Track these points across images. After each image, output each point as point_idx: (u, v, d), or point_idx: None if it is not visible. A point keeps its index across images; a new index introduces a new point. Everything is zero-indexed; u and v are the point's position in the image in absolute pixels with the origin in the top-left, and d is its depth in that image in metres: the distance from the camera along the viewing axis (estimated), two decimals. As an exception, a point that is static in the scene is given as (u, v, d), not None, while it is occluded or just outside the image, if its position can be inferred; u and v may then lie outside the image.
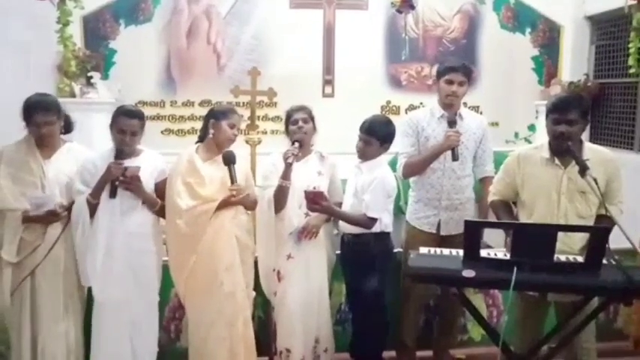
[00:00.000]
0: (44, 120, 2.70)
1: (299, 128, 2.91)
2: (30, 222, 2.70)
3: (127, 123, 2.73)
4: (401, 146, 3.13)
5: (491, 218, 2.94)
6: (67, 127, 2.87)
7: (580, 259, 2.21)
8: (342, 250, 3.01)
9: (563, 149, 2.45)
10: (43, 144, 2.77)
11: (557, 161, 2.52)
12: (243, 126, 3.23)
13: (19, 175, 2.72)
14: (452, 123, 2.96)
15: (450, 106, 3.06)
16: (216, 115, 2.83)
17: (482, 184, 3.13)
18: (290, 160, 2.79)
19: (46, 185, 2.73)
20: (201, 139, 2.91)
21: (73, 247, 2.81)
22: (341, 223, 2.96)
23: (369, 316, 2.91)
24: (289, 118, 2.98)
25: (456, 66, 3.05)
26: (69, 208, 2.77)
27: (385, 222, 2.87)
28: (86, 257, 2.73)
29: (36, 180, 2.72)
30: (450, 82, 3.02)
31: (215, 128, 2.80)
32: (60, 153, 2.82)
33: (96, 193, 2.71)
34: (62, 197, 2.77)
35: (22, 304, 2.72)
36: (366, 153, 2.90)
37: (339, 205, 2.97)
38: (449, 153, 2.95)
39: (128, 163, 2.73)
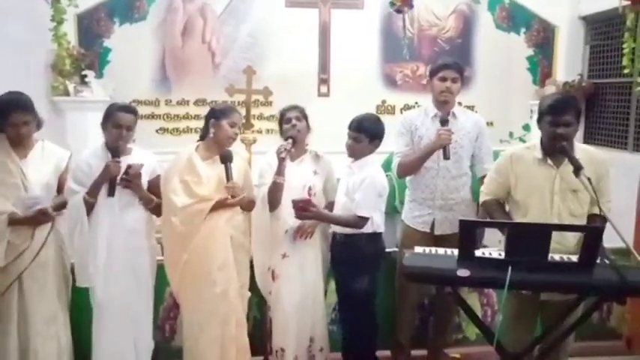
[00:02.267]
0: (23, 120, 2.64)
1: (292, 126, 2.92)
2: (17, 224, 2.65)
3: (123, 118, 2.73)
4: (396, 146, 3.14)
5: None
6: (38, 125, 2.80)
7: (574, 258, 2.22)
8: (333, 249, 3.00)
9: (557, 149, 2.47)
10: (19, 144, 2.71)
11: (549, 161, 2.54)
12: (238, 125, 3.22)
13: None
14: (444, 122, 2.97)
15: (445, 104, 3.06)
16: (216, 114, 2.82)
17: (482, 182, 3.12)
18: (283, 155, 2.79)
19: (28, 186, 2.69)
20: (202, 139, 2.91)
21: (58, 249, 2.81)
22: (334, 222, 2.96)
23: (359, 316, 2.91)
24: (282, 118, 2.99)
25: (449, 63, 3.08)
26: (55, 209, 2.75)
27: (377, 222, 2.86)
28: (87, 258, 2.71)
29: (17, 181, 2.67)
30: (444, 79, 3.03)
31: (215, 127, 2.80)
32: (34, 152, 2.77)
33: (93, 192, 2.70)
34: (43, 197, 2.73)
35: (9, 309, 2.68)
36: (355, 150, 2.89)
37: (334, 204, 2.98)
38: (442, 152, 2.95)
39: (123, 160, 2.72)
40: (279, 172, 2.81)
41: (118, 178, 2.71)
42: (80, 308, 2.89)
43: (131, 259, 2.77)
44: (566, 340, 2.55)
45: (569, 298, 2.38)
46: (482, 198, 2.79)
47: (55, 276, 2.78)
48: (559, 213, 2.51)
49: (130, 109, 2.80)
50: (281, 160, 2.80)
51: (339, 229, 2.92)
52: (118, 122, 2.73)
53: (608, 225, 2.24)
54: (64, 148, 2.96)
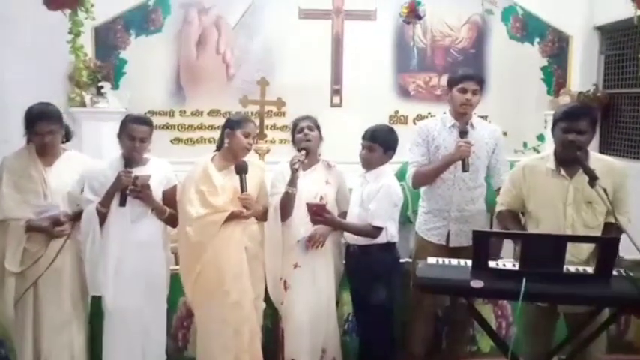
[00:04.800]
0: (48, 129, 2.71)
1: (305, 136, 2.93)
2: (33, 231, 2.70)
3: (136, 129, 2.76)
4: (411, 156, 3.12)
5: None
6: (67, 136, 2.89)
7: (589, 269, 2.19)
8: (347, 260, 2.99)
9: (571, 159, 2.44)
10: (45, 153, 2.78)
11: (562, 172, 2.51)
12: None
13: (21, 184, 2.73)
14: (463, 133, 2.94)
15: (463, 116, 3.04)
16: (231, 124, 2.85)
17: (498, 194, 3.09)
18: (296, 167, 2.81)
19: (48, 194, 2.74)
20: (218, 149, 2.93)
21: (76, 257, 2.83)
22: (347, 233, 2.95)
23: (376, 327, 2.89)
24: (295, 128, 3.00)
25: (470, 74, 3.04)
26: (72, 218, 2.79)
27: (391, 232, 2.85)
28: (98, 266, 2.73)
29: (38, 188, 2.73)
30: (464, 91, 2.99)
31: (230, 138, 2.82)
32: (60, 161, 2.83)
33: (106, 202, 2.73)
34: (64, 205, 2.78)
35: (24, 314, 2.72)
36: (370, 161, 2.89)
37: (346, 214, 2.97)
38: (459, 163, 2.93)
39: (136, 171, 2.75)
40: (292, 182, 2.82)
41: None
42: (99, 316, 2.89)
43: (143, 269, 2.79)
44: (596, 355, 2.51)
45: (590, 309, 2.35)
46: (497, 209, 2.77)
47: (71, 284, 2.80)
48: (572, 224, 2.48)
49: (144, 121, 2.82)
50: (294, 172, 2.81)
51: (353, 240, 2.91)
52: (131, 134, 2.75)
53: (624, 236, 2.21)
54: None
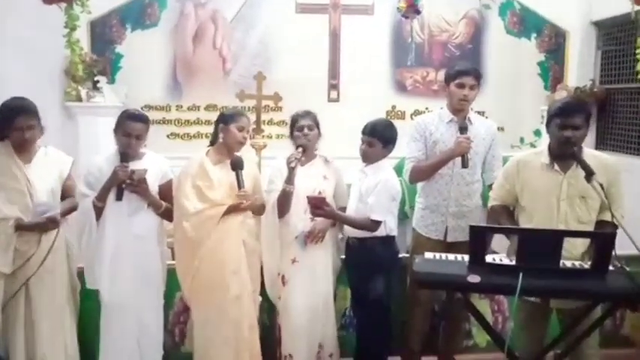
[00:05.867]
0: (27, 124, 2.65)
1: (304, 135, 2.92)
2: (23, 230, 2.64)
3: (132, 126, 2.74)
4: (408, 151, 3.11)
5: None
6: (41, 131, 2.78)
7: (585, 264, 2.20)
8: (347, 254, 3.00)
9: (568, 154, 2.45)
10: (23, 149, 2.71)
11: (556, 167, 2.51)
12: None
13: (3, 182, 2.65)
14: (463, 129, 2.93)
15: (460, 111, 3.03)
16: (225, 119, 2.84)
17: (491, 189, 3.10)
18: (293, 165, 2.80)
19: (33, 193, 2.68)
20: (212, 144, 2.92)
21: (67, 256, 2.81)
22: (346, 227, 2.96)
23: (374, 322, 2.89)
24: (294, 124, 2.99)
25: (468, 69, 3.02)
26: (62, 215, 2.75)
27: (390, 225, 2.86)
28: (94, 260, 2.73)
29: (22, 187, 2.66)
30: (462, 86, 2.99)
31: (224, 132, 2.81)
32: (38, 157, 2.77)
33: (102, 196, 2.72)
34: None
35: (16, 315, 2.66)
36: (369, 155, 2.90)
37: (344, 209, 2.98)
38: (458, 159, 2.92)
39: (132, 165, 2.74)
40: (289, 180, 2.82)
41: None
42: (90, 312, 2.89)
43: (140, 263, 2.78)
44: (588, 351, 2.51)
45: (582, 304, 2.36)
46: (490, 203, 2.77)
47: (63, 282, 2.78)
48: (565, 219, 2.48)
49: (140, 118, 2.80)
50: (291, 170, 2.81)
51: (352, 234, 2.92)
52: (127, 131, 2.74)
53: (619, 232, 2.22)
54: (74, 153, 3.00)
